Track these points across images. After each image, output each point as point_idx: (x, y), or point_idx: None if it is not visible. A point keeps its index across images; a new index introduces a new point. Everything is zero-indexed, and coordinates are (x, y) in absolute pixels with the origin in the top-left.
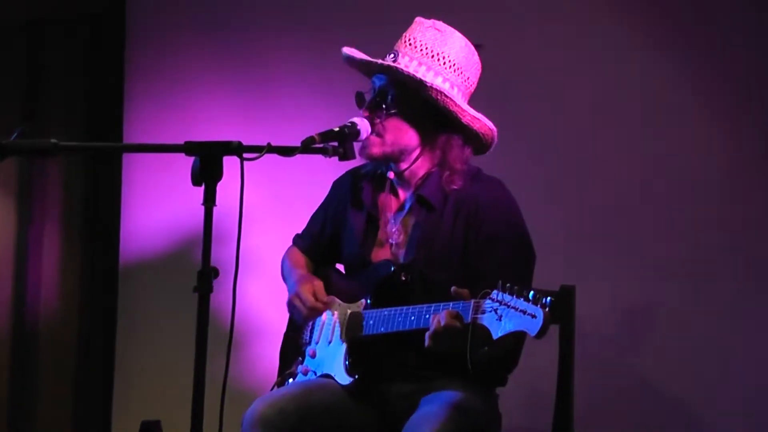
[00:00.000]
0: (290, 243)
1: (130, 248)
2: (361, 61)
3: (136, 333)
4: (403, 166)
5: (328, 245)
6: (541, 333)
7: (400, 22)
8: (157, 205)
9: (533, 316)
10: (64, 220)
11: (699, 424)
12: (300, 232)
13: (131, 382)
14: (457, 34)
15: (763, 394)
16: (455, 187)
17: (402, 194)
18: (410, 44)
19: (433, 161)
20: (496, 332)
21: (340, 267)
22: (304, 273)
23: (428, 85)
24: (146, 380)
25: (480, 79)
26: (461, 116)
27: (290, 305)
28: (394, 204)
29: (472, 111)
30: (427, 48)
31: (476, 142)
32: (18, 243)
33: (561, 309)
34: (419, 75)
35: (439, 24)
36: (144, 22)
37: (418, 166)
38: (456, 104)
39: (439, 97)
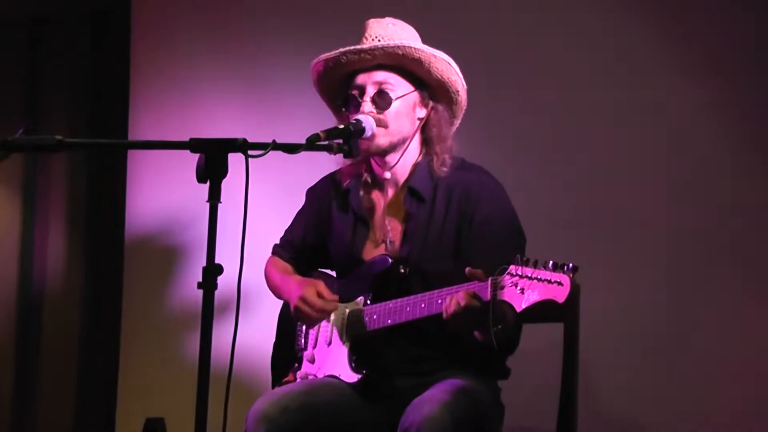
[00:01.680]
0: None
1: (134, 246)
2: (367, 49)
3: (141, 330)
4: (395, 157)
5: (310, 253)
6: (569, 299)
7: (400, 18)
8: (161, 202)
9: (560, 284)
10: (69, 217)
11: (700, 424)
12: (279, 242)
13: (135, 379)
14: (407, 25)
15: (764, 394)
16: (445, 168)
17: (390, 191)
18: (378, 41)
19: (422, 146)
20: (520, 305)
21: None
22: (300, 278)
23: (437, 56)
24: (150, 377)
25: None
26: (455, 85)
27: (297, 311)
28: (382, 201)
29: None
30: (392, 40)
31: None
32: (23, 239)
33: (566, 307)
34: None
35: (392, 19)
36: (149, 19)
37: (408, 156)
38: (456, 72)
39: (438, 65)
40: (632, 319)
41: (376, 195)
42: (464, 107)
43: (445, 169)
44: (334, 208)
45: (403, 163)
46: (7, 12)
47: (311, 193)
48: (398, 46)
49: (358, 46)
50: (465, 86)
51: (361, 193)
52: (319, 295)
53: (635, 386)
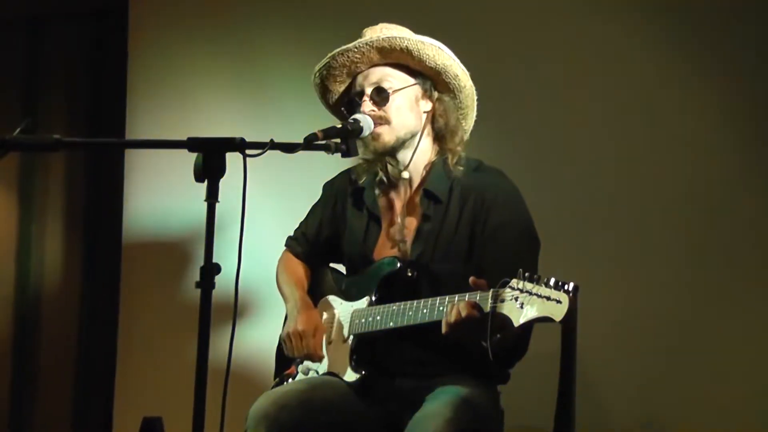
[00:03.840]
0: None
1: (132, 245)
2: (353, 47)
3: (138, 329)
4: (407, 155)
5: (324, 247)
6: (566, 318)
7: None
8: (159, 201)
9: (558, 302)
10: (67, 216)
11: (699, 424)
12: (293, 234)
13: (133, 378)
14: (402, 27)
15: (764, 394)
16: (461, 166)
17: (405, 191)
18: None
19: (435, 143)
20: (518, 319)
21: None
22: (305, 298)
23: (426, 42)
24: (148, 376)
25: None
26: (451, 69)
27: (285, 339)
28: (397, 201)
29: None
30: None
31: (460, 101)
32: (20, 239)
33: (570, 324)
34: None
35: (385, 24)
36: (147, 18)
37: (420, 155)
38: (450, 57)
39: (429, 52)
40: (631, 321)
41: (391, 195)
42: (472, 94)
43: (460, 168)
44: (349, 205)
45: (417, 162)
46: (5, 11)
47: (329, 186)
48: (383, 39)
49: (345, 46)
50: (466, 71)
51: (376, 192)
52: (310, 342)
53: (633, 387)
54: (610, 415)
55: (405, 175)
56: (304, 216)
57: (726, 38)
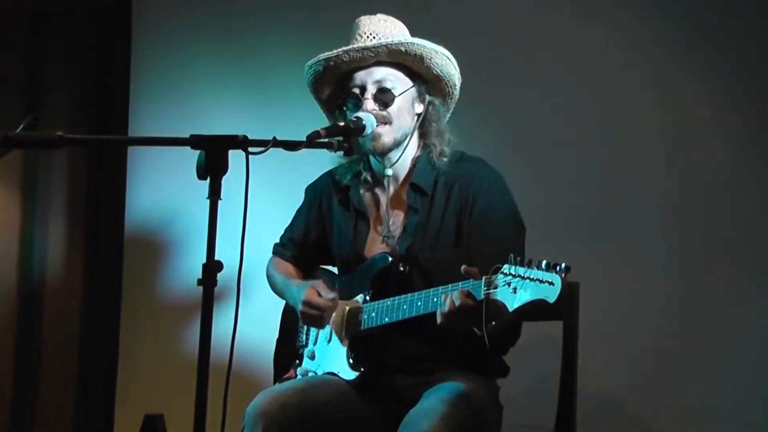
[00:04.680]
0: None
1: (134, 243)
2: (371, 47)
3: (140, 326)
4: (397, 154)
5: (313, 250)
6: (559, 299)
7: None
8: (161, 198)
9: (551, 283)
10: (69, 214)
11: (699, 423)
12: (279, 241)
13: (134, 376)
14: (397, 20)
15: (763, 393)
16: (445, 158)
17: (391, 187)
18: (373, 37)
19: (420, 140)
20: (512, 304)
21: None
22: (300, 281)
23: (438, 51)
24: (149, 374)
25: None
26: (453, 79)
27: (303, 316)
28: (383, 198)
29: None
30: (387, 36)
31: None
32: (23, 236)
33: (565, 305)
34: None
35: (383, 15)
36: (150, 16)
37: (408, 151)
38: (455, 66)
39: (439, 61)
40: (631, 318)
41: (377, 192)
42: (457, 98)
43: (445, 159)
44: (335, 205)
45: (404, 158)
46: (8, 9)
47: (312, 189)
48: (402, 43)
49: (362, 45)
50: (460, 78)
51: (362, 190)
52: (320, 295)
53: (634, 385)
54: (610, 413)
55: (389, 172)
56: (289, 222)
57: (726, 37)
